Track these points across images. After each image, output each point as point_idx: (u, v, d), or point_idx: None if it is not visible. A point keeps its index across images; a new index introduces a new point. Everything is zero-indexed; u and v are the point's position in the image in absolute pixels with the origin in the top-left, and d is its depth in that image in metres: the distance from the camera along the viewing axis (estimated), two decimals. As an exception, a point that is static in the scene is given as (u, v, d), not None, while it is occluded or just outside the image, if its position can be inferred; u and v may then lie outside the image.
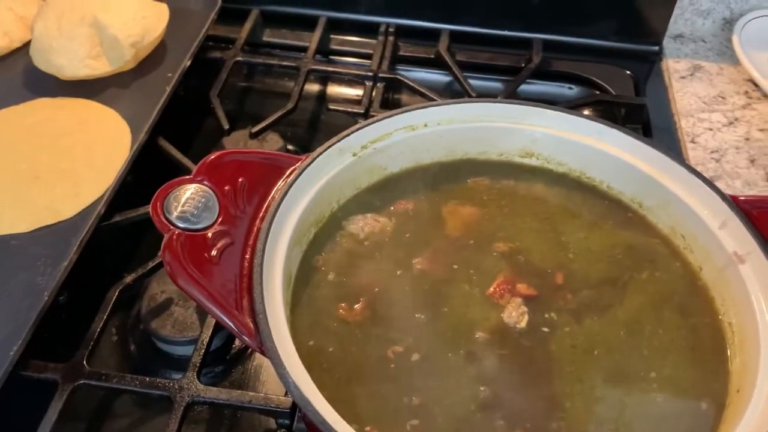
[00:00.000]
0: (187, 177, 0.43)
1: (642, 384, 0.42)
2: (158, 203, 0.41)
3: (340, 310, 0.45)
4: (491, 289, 0.46)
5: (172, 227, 0.40)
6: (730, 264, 0.45)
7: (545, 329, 0.44)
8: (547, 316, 0.44)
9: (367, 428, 0.39)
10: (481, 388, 0.41)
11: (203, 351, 0.52)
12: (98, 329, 0.53)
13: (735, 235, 0.45)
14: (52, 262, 0.54)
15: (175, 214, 0.41)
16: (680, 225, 0.49)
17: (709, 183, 0.47)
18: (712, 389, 0.42)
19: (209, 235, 0.40)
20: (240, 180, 0.43)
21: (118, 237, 0.64)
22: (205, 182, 0.42)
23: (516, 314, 0.44)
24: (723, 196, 0.46)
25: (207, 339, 0.53)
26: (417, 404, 0.41)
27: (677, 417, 0.41)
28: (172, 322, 0.57)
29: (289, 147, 0.74)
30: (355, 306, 0.45)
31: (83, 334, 0.54)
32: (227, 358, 0.58)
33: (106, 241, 0.61)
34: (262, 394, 0.50)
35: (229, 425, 0.54)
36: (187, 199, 0.41)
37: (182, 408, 0.49)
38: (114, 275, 0.59)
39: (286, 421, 0.50)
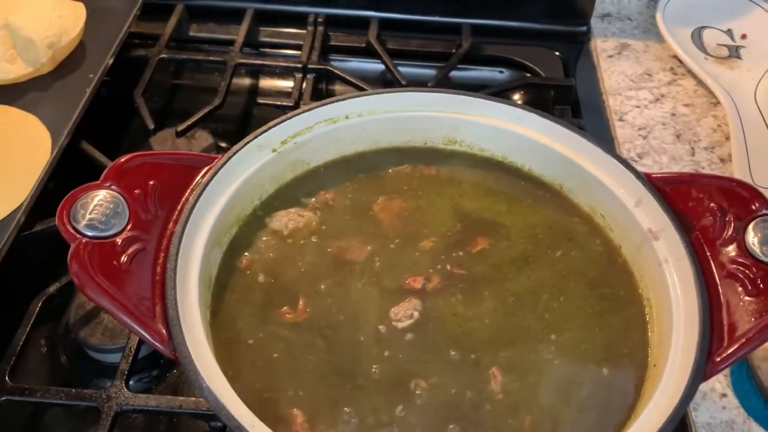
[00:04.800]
0: (95, 183, 0.41)
1: (539, 345, 0.43)
2: (64, 212, 0.40)
3: (273, 310, 0.45)
4: (407, 280, 0.46)
5: (79, 236, 0.39)
6: (645, 241, 0.45)
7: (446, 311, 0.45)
8: (453, 299, 0.45)
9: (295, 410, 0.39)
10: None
11: (131, 358, 0.51)
12: (20, 342, 0.52)
13: (649, 213, 0.46)
14: (-31, 276, 0.52)
15: (83, 222, 0.40)
16: (599, 204, 0.50)
17: (624, 162, 0.48)
18: (629, 361, 0.43)
19: (118, 241, 0.39)
20: (151, 183, 0.42)
21: (43, 245, 0.62)
22: (113, 187, 0.41)
23: (403, 314, 0.44)
24: (638, 175, 0.47)
25: (134, 346, 0.52)
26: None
27: (582, 383, 0.42)
28: (102, 329, 0.56)
29: (221, 144, 0.73)
30: (284, 308, 0.45)
31: (6, 348, 0.52)
32: (161, 362, 0.57)
33: (29, 251, 0.59)
34: (193, 399, 0.49)
35: (165, 431, 0.53)
36: (95, 206, 0.40)
37: (110, 418, 0.48)
38: (40, 285, 0.57)
39: (218, 424, 0.49)
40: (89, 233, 0.39)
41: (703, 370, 0.37)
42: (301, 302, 0.44)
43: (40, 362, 0.57)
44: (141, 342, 0.53)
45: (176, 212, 0.43)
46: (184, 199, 0.43)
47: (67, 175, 0.63)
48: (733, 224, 0.42)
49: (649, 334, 0.44)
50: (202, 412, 0.48)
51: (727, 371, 0.55)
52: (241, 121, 0.78)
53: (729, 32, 0.84)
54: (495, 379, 0.41)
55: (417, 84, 0.76)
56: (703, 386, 0.54)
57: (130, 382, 0.51)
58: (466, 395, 0.41)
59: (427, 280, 0.46)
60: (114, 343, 0.55)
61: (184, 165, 0.45)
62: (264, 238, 0.48)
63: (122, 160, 0.43)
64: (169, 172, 0.44)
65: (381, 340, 0.43)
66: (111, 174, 0.42)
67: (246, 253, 0.47)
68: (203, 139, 0.72)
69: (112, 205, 0.40)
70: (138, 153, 0.44)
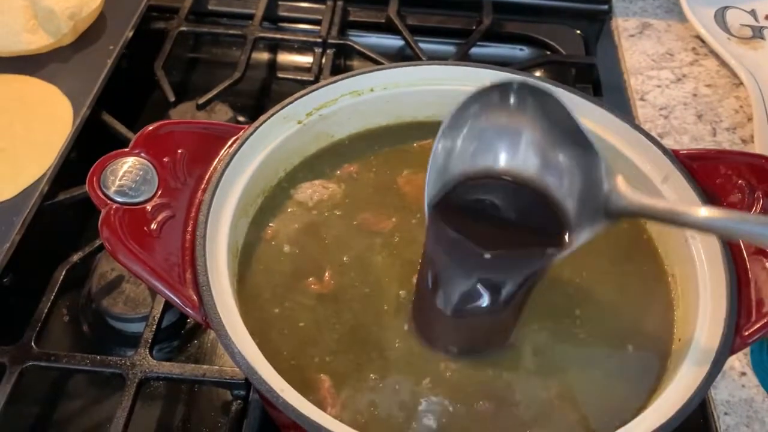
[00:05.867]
0: (124, 150, 0.41)
1: (565, 319, 0.43)
2: (94, 178, 0.40)
3: (299, 280, 0.45)
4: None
5: (109, 202, 0.39)
6: (672, 217, 0.45)
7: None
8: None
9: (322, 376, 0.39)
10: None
11: (155, 326, 0.52)
12: (46, 310, 0.52)
13: (677, 189, 0.45)
14: (-6, 244, 0.52)
15: (113, 188, 0.40)
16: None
17: (652, 138, 0.47)
18: (654, 335, 0.43)
19: (148, 208, 0.40)
20: (180, 151, 0.42)
21: (65, 215, 0.63)
22: (143, 154, 0.41)
23: None
24: (665, 151, 0.46)
25: (158, 314, 0.52)
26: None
27: (607, 356, 0.42)
28: (124, 299, 0.57)
29: (239, 117, 0.73)
30: (309, 278, 0.45)
31: (31, 315, 0.53)
32: (182, 332, 0.58)
33: (52, 220, 0.60)
34: (216, 367, 0.50)
35: (187, 400, 0.54)
36: (125, 173, 0.40)
37: (135, 385, 0.48)
38: (63, 254, 0.58)
39: (242, 392, 0.50)
40: (119, 199, 0.39)
41: (731, 344, 0.37)
42: (327, 274, 0.44)
43: (63, 331, 0.58)
44: (164, 311, 0.53)
45: (204, 181, 0.43)
46: (212, 168, 0.43)
47: (88, 146, 0.63)
48: (762, 201, 0.42)
49: (675, 309, 0.44)
50: (225, 381, 0.49)
51: (746, 350, 0.55)
52: (259, 95, 0.78)
53: (752, 12, 0.83)
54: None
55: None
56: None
57: (153, 352, 0.52)
58: (495, 369, 0.41)
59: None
60: (136, 313, 0.56)
61: (211, 134, 0.45)
62: (289, 210, 0.49)
63: (151, 128, 0.43)
64: (197, 141, 0.44)
65: (401, 310, 0.43)
66: (140, 141, 0.42)
67: (271, 224, 0.48)
68: (223, 112, 0.72)
69: (141, 172, 0.41)
70: (166, 121, 0.44)
